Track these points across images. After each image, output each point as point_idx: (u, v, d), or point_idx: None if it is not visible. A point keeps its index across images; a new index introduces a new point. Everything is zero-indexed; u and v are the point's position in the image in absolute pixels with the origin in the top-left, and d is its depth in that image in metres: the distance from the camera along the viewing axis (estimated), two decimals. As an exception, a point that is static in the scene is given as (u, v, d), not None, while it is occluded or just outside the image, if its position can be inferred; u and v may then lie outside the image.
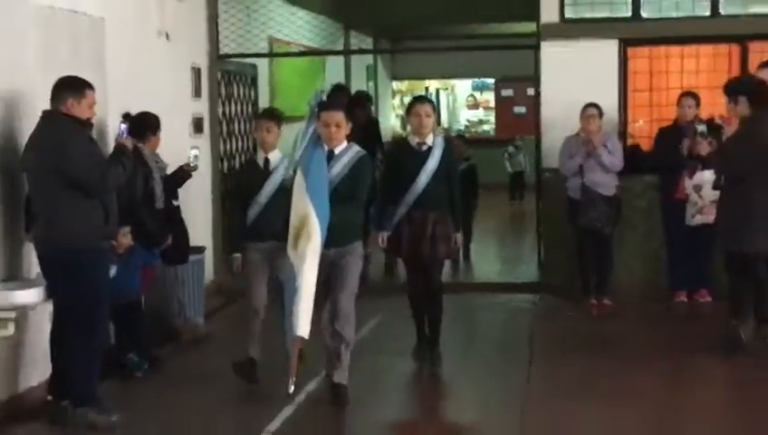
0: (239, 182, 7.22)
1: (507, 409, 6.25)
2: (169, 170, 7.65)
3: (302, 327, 5.66)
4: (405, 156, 6.93)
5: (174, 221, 7.54)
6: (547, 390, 6.72)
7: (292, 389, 5.84)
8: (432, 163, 6.76)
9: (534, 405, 6.30)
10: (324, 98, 6.29)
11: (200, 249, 8.40)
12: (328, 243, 5.92)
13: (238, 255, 6.79)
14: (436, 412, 6.82)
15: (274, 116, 7.06)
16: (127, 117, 6.82)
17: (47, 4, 6.69)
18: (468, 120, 21.18)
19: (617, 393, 6.57)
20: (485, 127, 20.75)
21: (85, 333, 5.98)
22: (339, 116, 6.11)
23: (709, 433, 6.00)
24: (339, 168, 6.11)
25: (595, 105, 8.83)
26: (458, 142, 11.54)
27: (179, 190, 7.80)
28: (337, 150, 6.15)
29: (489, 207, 16.17)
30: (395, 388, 7.15)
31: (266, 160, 6.78)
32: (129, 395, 6.69)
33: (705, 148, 8.04)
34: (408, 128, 7.12)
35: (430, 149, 6.79)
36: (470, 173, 11.50)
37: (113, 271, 6.65)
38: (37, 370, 6.33)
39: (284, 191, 6.25)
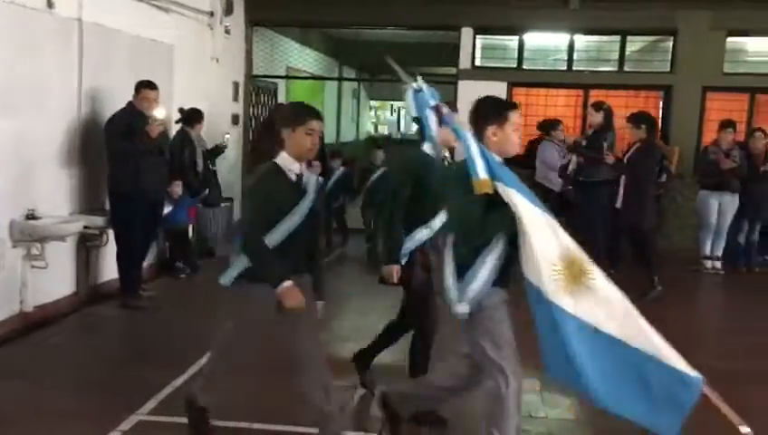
0: (270, 201, 3.26)
1: None
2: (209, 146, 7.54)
3: (693, 371, 2.82)
4: (432, 174, 3.77)
5: (211, 180, 7.45)
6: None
7: None
8: None
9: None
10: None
11: (230, 199, 8.36)
12: None
13: (290, 288, 3.18)
14: (357, 312, 6.21)
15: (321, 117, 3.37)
16: (181, 110, 6.82)
17: (135, 34, 6.66)
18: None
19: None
20: (428, 134, 20.75)
21: (123, 246, 5.88)
22: None
23: None
24: None
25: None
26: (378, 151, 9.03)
27: (216, 160, 7.68)
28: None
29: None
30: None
31: (300, 175, 3.36)
32: (176, 289, 6.72)
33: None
34: (427, 143, 3.80)
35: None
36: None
37: (169, 208, 6.72)
38: (114, 268, 6.21)
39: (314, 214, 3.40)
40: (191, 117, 7.04)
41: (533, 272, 2.89)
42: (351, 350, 5.22)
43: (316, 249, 3.54)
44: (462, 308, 3.14)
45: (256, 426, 3.82)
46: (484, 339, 3.17)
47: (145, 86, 5.83)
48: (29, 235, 5.18)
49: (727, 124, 8.16)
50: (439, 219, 3.77)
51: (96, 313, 5.86)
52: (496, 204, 2.92)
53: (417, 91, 3.24)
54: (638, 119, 7.13)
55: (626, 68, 9.47)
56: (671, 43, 9.32)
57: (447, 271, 3.19)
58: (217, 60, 8.65)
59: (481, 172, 2.91)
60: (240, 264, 3.34)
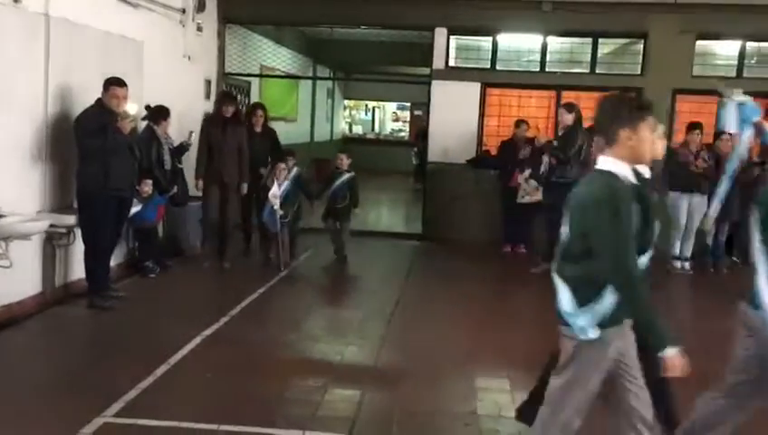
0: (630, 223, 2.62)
1: (380, 313, 6.19)
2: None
3: None
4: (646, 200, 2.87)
5: (178, 178, 7.32)
6: (411, 301, 6.72)
7: None
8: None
9: (400, 310, 6.31)
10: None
11: (199, 198, 8.22)
12: None
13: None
14: (326, 312, 6.43)
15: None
16: (148, 107, 6.73)
17: (104, 30, 6.55)
18: (392, 129, 21.25)
19: (453, 301, 6.73)
20: (402, 133, 20.81)
21: (91, 244, 5.79)
22: None
23: (502, 327, 5.99)
24: None
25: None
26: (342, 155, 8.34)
27: (183, 157, 7.48)
28: None
29: (399, 185, 16.33)
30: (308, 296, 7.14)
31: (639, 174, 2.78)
32: (145, 289, 6.62)
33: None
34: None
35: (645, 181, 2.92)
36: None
37: (138, 208, 6.63)
38: (82, 267, 6.10)
39: None
40: (157, 114, 6.92)
41: None
42: (321, 351, 5.22)
43: None
44: None
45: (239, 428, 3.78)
46: None
47: (114, 83, 5.75)
48: (-7, 233, 5.06)
49: (695, 126, 8.28)
50: (647, 256, 2.90)
51: (63, 313, 5.75)
52: None
53: (740, 104, 2.94)
54: None
55: (598, 70, 9.55)
56: (642, 46, 9.41)
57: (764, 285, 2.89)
58: (189, 57, 8.56)
59: None
60: (601, 307, 2.67)
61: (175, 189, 7.18)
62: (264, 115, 8.25)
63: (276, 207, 7.36)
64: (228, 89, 10.13)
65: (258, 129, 8.17)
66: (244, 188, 7.69)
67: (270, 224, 7.48)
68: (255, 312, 6.07)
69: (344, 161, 8.21)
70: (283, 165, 7.58)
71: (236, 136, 7.55)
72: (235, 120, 7.67)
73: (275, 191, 7.37)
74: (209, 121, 7.73)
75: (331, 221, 8.19)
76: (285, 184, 7.55)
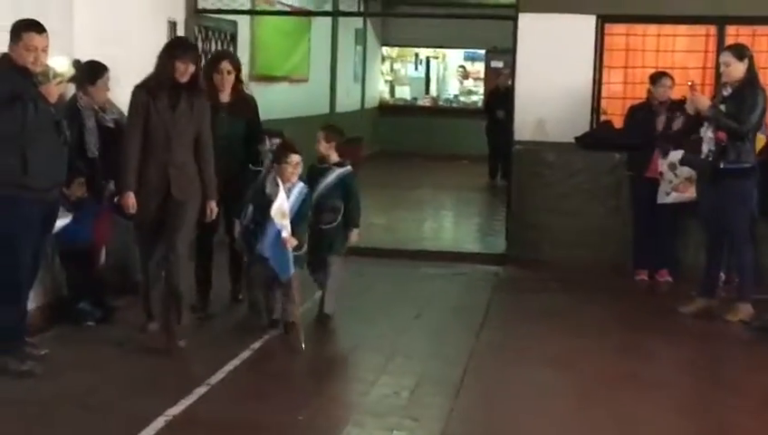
0: None
1: (442, 381, 6.23)
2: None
3: None
4: None
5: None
6: (490, 361, 6.75)
7: None
8: None
9: (473, 377, 6.30)
10: None
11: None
12: None
13: None
14: (384, 368, 6.51)
15: None
16: (77, 65, 6.78)
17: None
18: (459, 91, 21.35)
19: (555, 361, 6.71)
20: (474, 98, 20.85)
21: (1, 276, 5.86)
22: None
23: (631, 405, 5.93)
24: None
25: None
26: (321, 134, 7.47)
27: None
28: None
29: (470, 179, 16.36)
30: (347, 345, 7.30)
31: None
32: (79, 344, 6.64)
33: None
34: None
35: None
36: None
37: (66, 220, 6.67)
38: None
39: None
40: (82, 75, 6.87)
41: None
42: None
43: None
44: None
45: None
46: None
47: (27, 29, 5.79)
48: None
49: None
50: None
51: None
52: None
53: None
54: None
55: (783, -9, 9.42)
56: None
57: None
58: (143, -11, 8.71)
59: None
60: None
61: (111, 188, 6.96)
62: (233, 71, 7.54)
63: (286, 232, 6.55)
64: (203, 33, 10.22)
65: (225, 97, 7.49)
66: (213, 208, 6.89)
67: (278, 265, 6.69)
68: (247, 380, 6.12)
69: (323, 145, 7.33)
70: (297, 157, 6.85)
71: (196, 115, 6.66)
72: (194, 87, 6.73)
73: (283, 204, 6.57)
74: (147, 90, 6.62)
75: (322, 255, 7.33)
76: (298, 189, 6.90)
